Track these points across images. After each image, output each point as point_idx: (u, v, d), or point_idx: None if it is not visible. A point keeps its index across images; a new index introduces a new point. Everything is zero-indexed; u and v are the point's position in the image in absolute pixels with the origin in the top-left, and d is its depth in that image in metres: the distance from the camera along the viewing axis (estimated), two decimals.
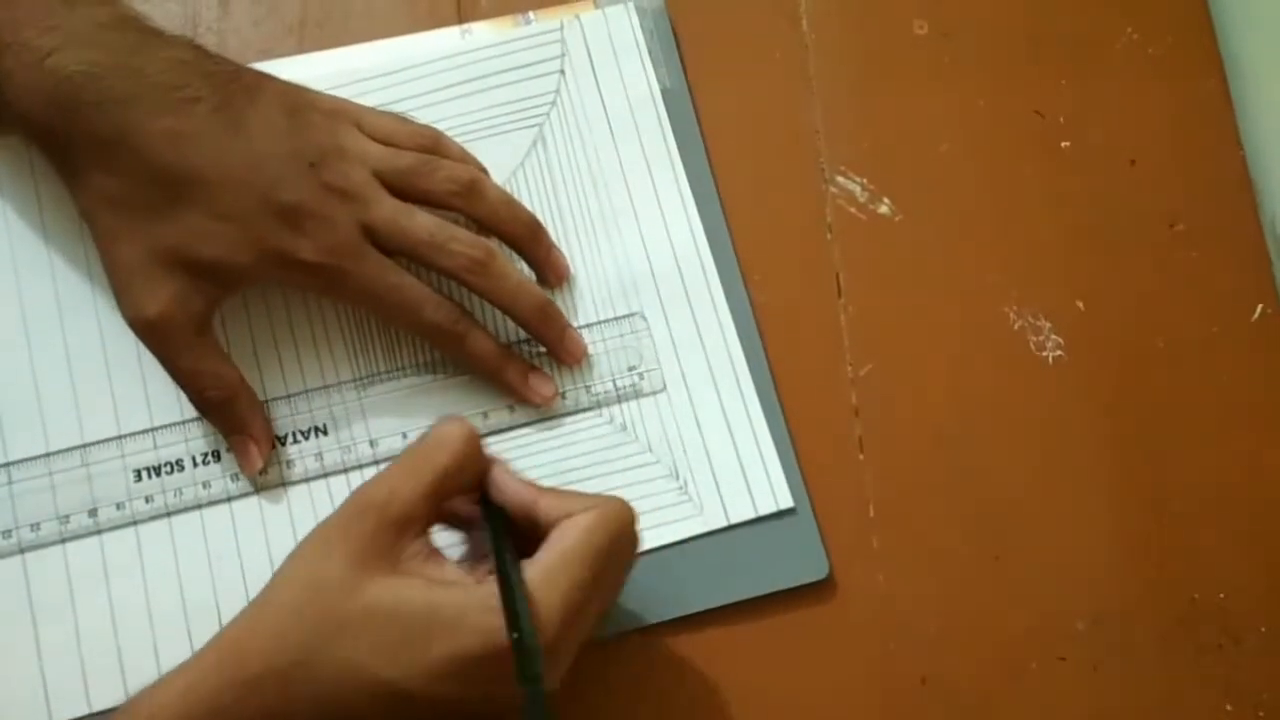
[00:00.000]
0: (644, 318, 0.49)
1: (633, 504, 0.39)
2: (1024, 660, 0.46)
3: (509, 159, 0.50)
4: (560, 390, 0.47)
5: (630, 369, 0.48)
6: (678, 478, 0.47)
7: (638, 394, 0.48)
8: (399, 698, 0.36)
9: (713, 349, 0.48)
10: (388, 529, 0.37)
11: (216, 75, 0.43)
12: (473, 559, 0.42)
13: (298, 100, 0.45)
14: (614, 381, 0.48)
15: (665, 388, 0.48)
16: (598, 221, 0.50)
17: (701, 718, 0.45)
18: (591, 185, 0.50)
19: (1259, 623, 0.46)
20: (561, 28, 0.52)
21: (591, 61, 0.52)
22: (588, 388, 0.48)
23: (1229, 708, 0.45)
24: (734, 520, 0.46)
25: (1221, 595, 0.47)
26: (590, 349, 0.48)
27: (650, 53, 0.52)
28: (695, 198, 0.50)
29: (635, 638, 0.45)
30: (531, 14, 0.53)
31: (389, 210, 0.44)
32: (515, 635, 0.35)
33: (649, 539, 0.45)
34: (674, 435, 0.47)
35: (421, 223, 0.44)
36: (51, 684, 0.43)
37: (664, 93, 0.52)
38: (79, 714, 0.43)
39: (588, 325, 0.48)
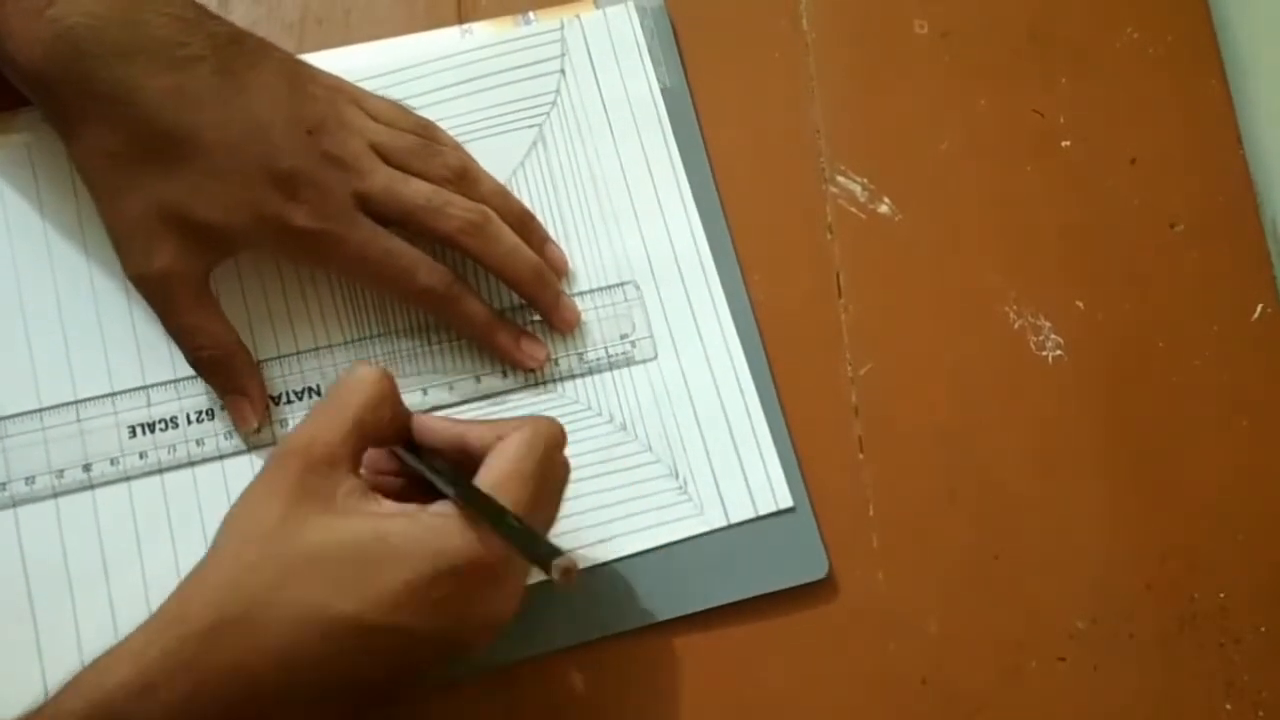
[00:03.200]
0: (636, 286, 0.49)
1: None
2: (1024, 660, 0.46)
3: (509, 159, 0.50)
4: (553, 357, 0.48)
5: (622, 337, 0.48)
6: (677, 477, 0.47)
7: (629, 362, 0.48)
8: (359, 632, 0.35)
9: (713, 348, 0.48)
10: (314, 470, 0.37)
11: (219, 36, 0.43)
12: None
13: (299, 71, 0.45)
14: (606, 349, 0.48)
15: (656, 356, 0.48)
16: (598, 221, 0.50)
17: (700, 717, 0.45)
18: (592, 185, 0.50)
19: (1259, 623, 0.46)
20: (562, 27, 0.52)
21: (592, 61, 0.52)
22: (580, 355, 0.48)
23: (1229, 707, 0.45)
24: (734, 520, 0.46)
25: (1221, 595, 0.46)
26: (583, 316, 0.48)
27: (650, 52, 0.52)
28: (695, 197, 0.50)
29: (634, 637, 0.45)
30: (531, 14, 0.52)
31: (384, 178, 0.44)
32: (505, 529, 0.35)
33: (649, 539, 0.45)
34: (674, 434, 0.47)
35: (418, 188, 0.45)
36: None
37: (664, 92, 0.52)
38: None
39: (580, 294, 0.49)
